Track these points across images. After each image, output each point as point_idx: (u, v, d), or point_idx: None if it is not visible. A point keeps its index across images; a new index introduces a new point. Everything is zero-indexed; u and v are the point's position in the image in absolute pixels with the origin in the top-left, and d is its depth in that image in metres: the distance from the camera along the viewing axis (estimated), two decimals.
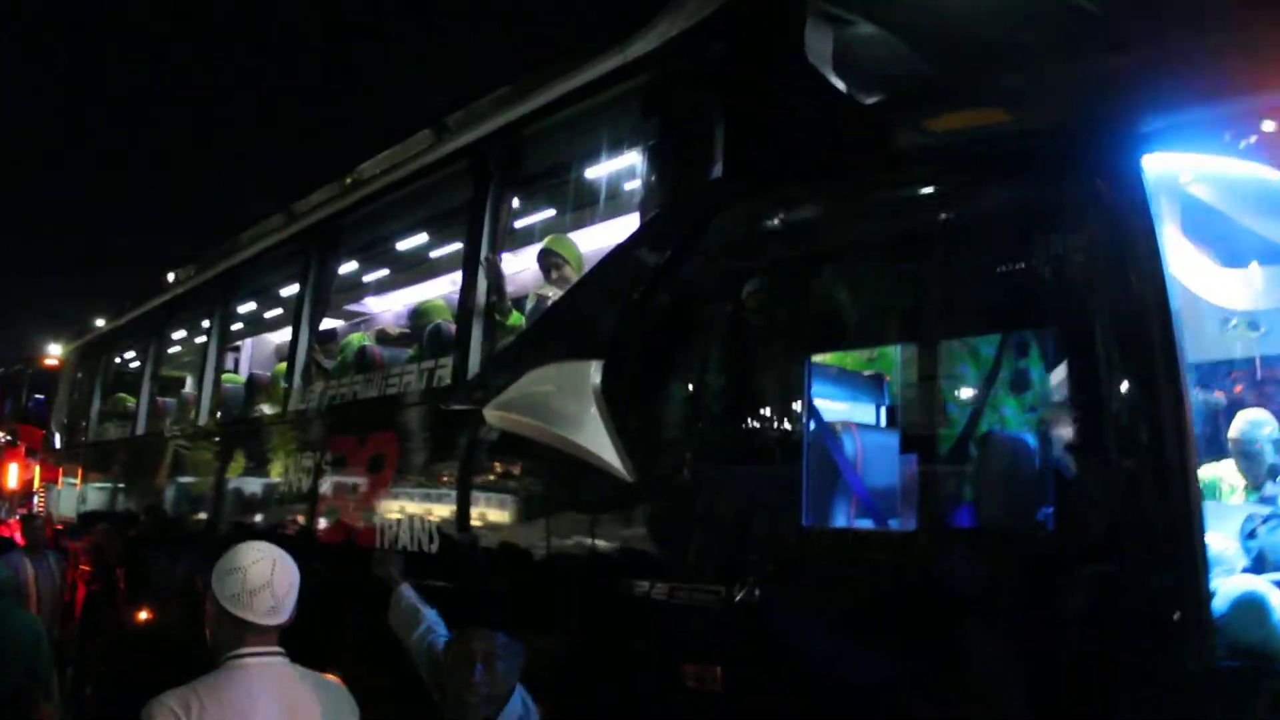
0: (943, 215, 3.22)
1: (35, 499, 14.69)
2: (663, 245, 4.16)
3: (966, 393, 3.65)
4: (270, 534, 6.87)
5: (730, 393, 3.89)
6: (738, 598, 3.56)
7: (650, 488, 4.00)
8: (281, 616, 2.76)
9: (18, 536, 11.88)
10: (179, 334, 11.31)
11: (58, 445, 13.64)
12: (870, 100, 3.66)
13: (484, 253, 5.24)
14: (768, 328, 3.76)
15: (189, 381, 11.51)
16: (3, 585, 6.59)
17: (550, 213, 6.38)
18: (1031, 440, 3.23)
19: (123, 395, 11.73)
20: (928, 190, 3.36)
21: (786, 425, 3.64)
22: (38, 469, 15.27)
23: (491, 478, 4.93)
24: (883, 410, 4.76)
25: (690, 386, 4.00)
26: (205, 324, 9.32)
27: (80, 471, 12.28)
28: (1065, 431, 3.01)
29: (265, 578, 2.71)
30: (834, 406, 4.28)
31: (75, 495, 12.22)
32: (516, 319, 5.36)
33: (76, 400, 13.21)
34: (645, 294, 4.15)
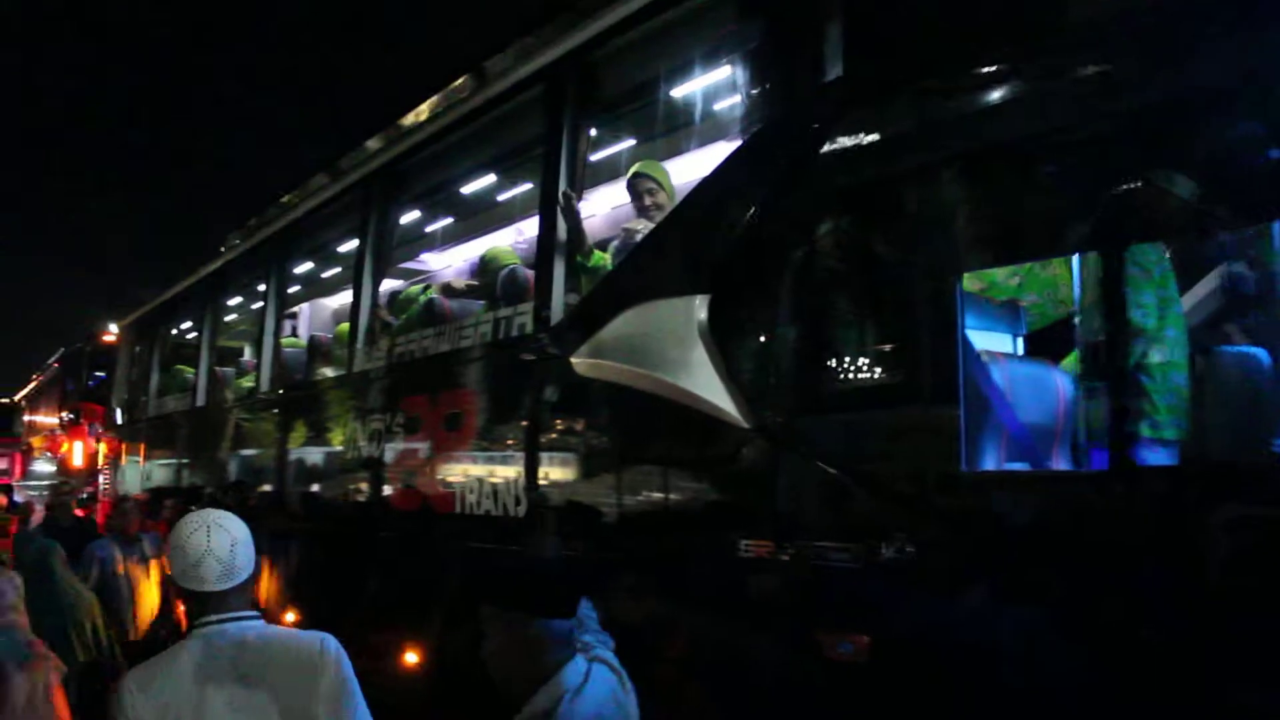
0: (1133, 99, 2.68)
1: (100, 478, 14.51)
2: (776, 160, 3.64)
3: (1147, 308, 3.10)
4: (336, 504, 6.51)
5: (865, 323, 3.38)
6: (885, 557, 3.08)
7: (773, 435, 3.52)
8: (236, 578, 2.66)
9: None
10: (235, 300, 10.96)
11: (119, 421, 13.43)
12: None
13: (563, 187, 4.75)
14: (908, 246, 3.24)
15: (247, 350, 11.20)
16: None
17: (632, 143, 5.88)
18: (1264, 355, 2.70)
19: (181, 367, 11.45)
20: (1112, 68, 2.80)
21: (936, 358, 3.12)
22: (102, 447, 15.11)
23: (581, 432, 4.47)
24: (1019, 340, 4.23)
25: (816, 319, 3.50)
26: (262, 288, 8.95)
27: (142, 447, 12.05)
28: None
29: (203, 546, 2.62)
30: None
31: (138, 471, 11.99)
32: (599, 259, 4.88)
33: (135, 375, 12.97)
34: (757, 216, 3.65)
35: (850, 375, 3.38)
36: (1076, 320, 3.30)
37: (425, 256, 9.84)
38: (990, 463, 3.25)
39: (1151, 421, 2.84)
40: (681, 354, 3.78)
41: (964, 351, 3.05)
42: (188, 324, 11.98)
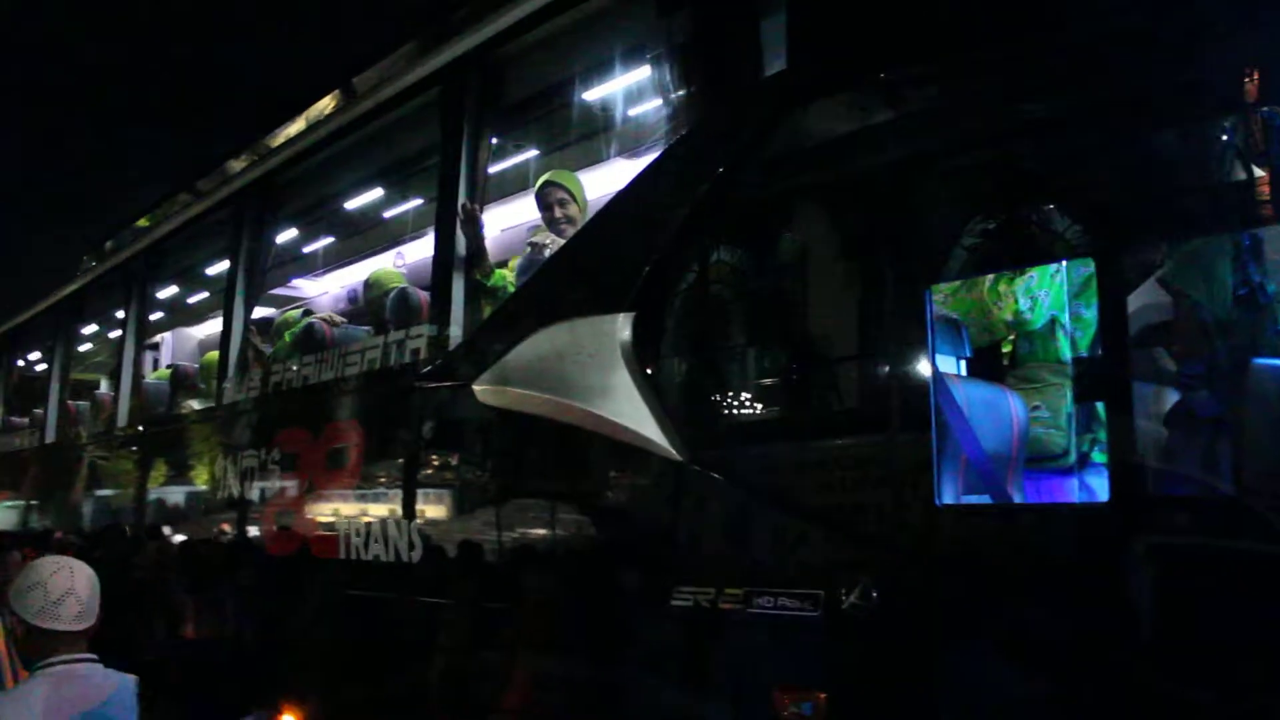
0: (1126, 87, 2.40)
1: None
2: (711, 162, 3.27)
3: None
4: (205, 547, 5.90)
5: (819, 342, 3.03)
6: (847, 603, 2.72)
7: (711, 468, 3.13)
8: (89, 620, 2.82)
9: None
10: (90, 329, 10.16)
11: None
12: None
13: (462, 199, 4.32)
14: (870, 257, 2.90)
15: (104, 382, 10.39)
16: None
17: (536, 153, 5.46)
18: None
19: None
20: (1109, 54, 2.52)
21: (904, 379, 2.78)
22: None
23: (485, 467, 4.02)
24: (962, 362, 3.94)
25: (760, 338, 3.14)
26: (120, 314, 8.24)
27: None
28: None
29: (67, 585, 2.76)
30: None
31: None
32: (500, 278, 4.45)
33: None
34: (687, 224, 3.28)
35: (803, 400, 3.03)
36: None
37: (300, 282, 9.26)
38: (956, 494, 2.92)
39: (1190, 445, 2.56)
40: (602, 379, 3.37)
41: (935, 374, 2.72)
42: (36, 354, 11.11)
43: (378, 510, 4.44)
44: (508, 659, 3.69)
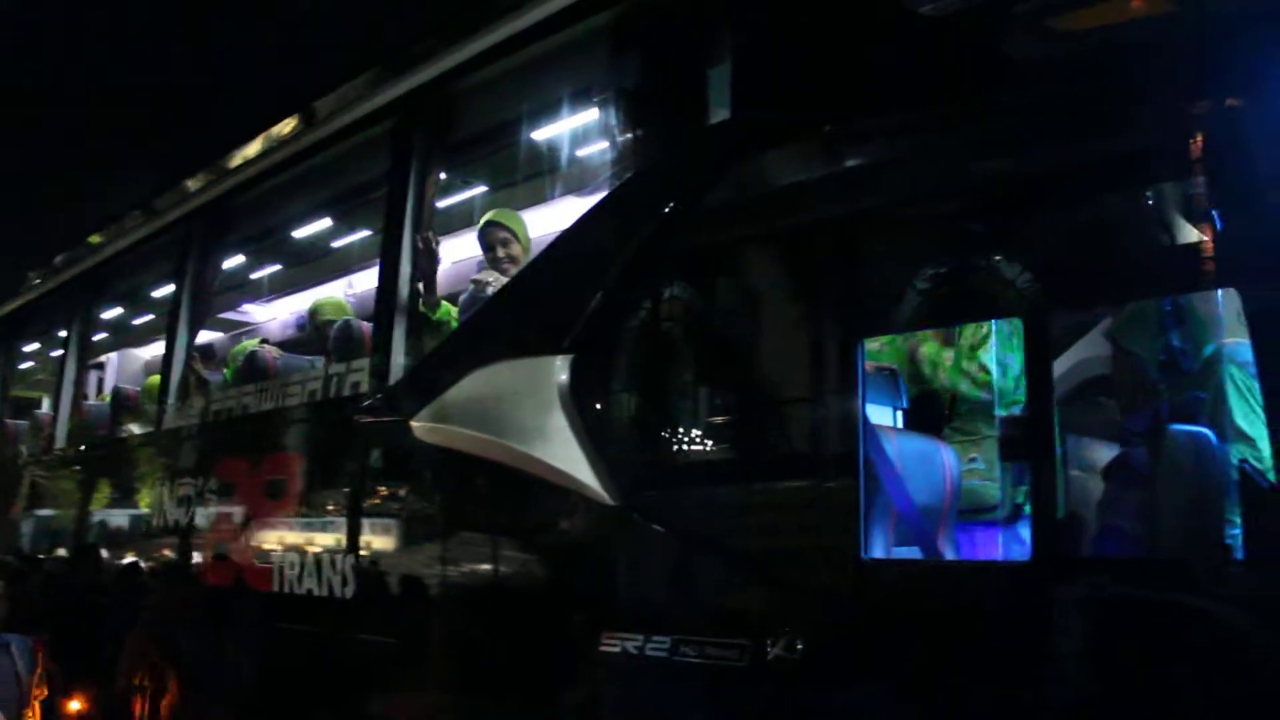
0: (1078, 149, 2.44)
1: None
2: (652, 207, 3.29)
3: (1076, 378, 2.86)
4: (137, 574, 5.80)
5: (752, 391, 3.04)
6: (771, 655, 2.71)
7: (642, 513, 3.12)
8: None
9: None
10: (32, 347, 10.00)
11: None
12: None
13: (409, 232, 4.30)
14: (804, 307, 2.92)
15: (45, 401, 10.21)
16: None
17: (484, 189, 5.46)
18: (1213, 436, 2.46)
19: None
20: (1055, 117, 2.56)
21: (833, 430, 2.80)
22: None
23: (423, 505, 3.99)
24: (899, 413, 3.97)
25: (695, 385, 3.15)
26: (63, 334, 8.12)
27: None
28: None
29: None
30: None
31: None
32: (446, 312, 4.44)
33: None
34: (629, 268, 3.29)
35: (734, 446, 3.04)
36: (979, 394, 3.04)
37: (250, 308, 9.18)
38: (884, 547, 2.93)
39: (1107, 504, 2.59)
40: (538, 420, 3.36)
41: (864, 424, 2.73)
42: None
43: (313, 544, 4.39)
44: (434, 697, 3.65)
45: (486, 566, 3.63)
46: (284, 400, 4.86)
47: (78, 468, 7.19)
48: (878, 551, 2.85)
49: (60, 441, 7.43)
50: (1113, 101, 2.49)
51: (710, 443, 3.08)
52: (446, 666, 3.66)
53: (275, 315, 9.06)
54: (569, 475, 3.24)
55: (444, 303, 4.41)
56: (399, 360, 4.20)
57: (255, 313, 9.37)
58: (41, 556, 7.44)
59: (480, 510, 3.73)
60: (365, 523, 4.13)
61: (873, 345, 4.03)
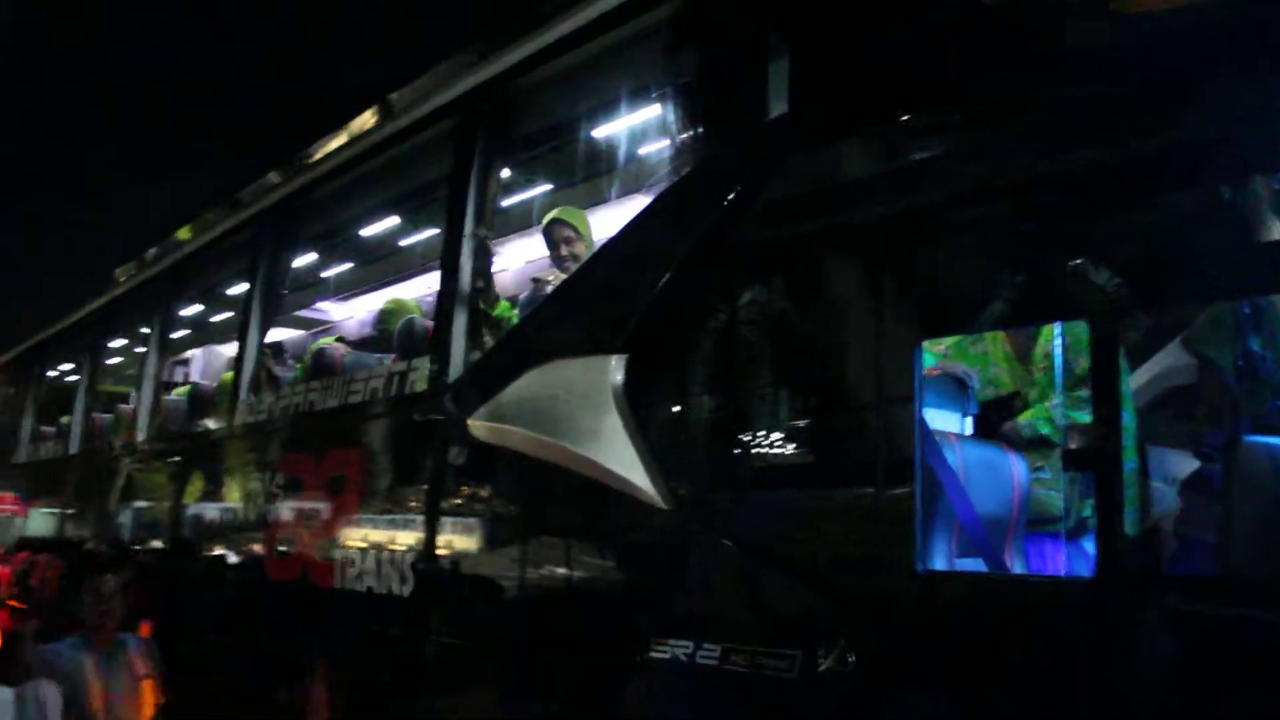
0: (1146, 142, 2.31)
1: None
2: (709, 206, 3.21)
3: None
4: (207, 566, 5.87)
5: (807, 396, 2.95)
6: (823, 667, 2.62)
7: (695, 518, 3.05)
8: None
9: None
10: (119, 342, 10.23)
11: None
12: None
13: (469, 228, 4.28)
14: (860, 309, 2.82)
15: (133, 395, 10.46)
16: None
17: (547, 187, 5.43)
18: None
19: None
20: (1127, 108, 2.43)
21: (889, 435, 2.69)
22: None
23: (479, 505, 3.96)
24: (968, 419, 3.84)
25: (750, 389, 3.06)
26: (146, 330, 8.29)
27: (10, 497, 11.16)
28: None
29: None
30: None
31: (6, 524, 11.10)
32: (505, 309, 4.41)
33: (7, 419, 12.08)
34: (684, 266, 3.22)
35: (787, 454, 2.95)
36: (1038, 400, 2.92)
37: (328, 306, 9.29)
38: (944, 558, 2.82)
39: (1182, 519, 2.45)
40: (592, 421, 3.31)
41: (921, 430, 2.62)
42: (68, 365, 11.21)
43: (373, 541, 4.39)
44: (483, 697, 3.62)
45: (539, 567, 3.59)
46: (347, 398, 4.87)
47: (156, 461, 7.32)
48: (936, 563, 2.75)
49: (141, 435, 7.57)
50: (1188, 91, 2.35)
51: (764, 446, 2.98)
52: (492, 667, 3.62)
53: (352, 314, 9.17)
54: (623, 478, 3.18)
55: (502, 300, 4.39)
56: (458, 358, 4.18)
57: (333, 311, 9.48)
58: (133, 549, 7.55)
59: (533, 511, 3.69)
60: (417, 521, 4.11)
61: (940, 349, 3.91)
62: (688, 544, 3.10)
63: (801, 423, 2.95)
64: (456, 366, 4.16)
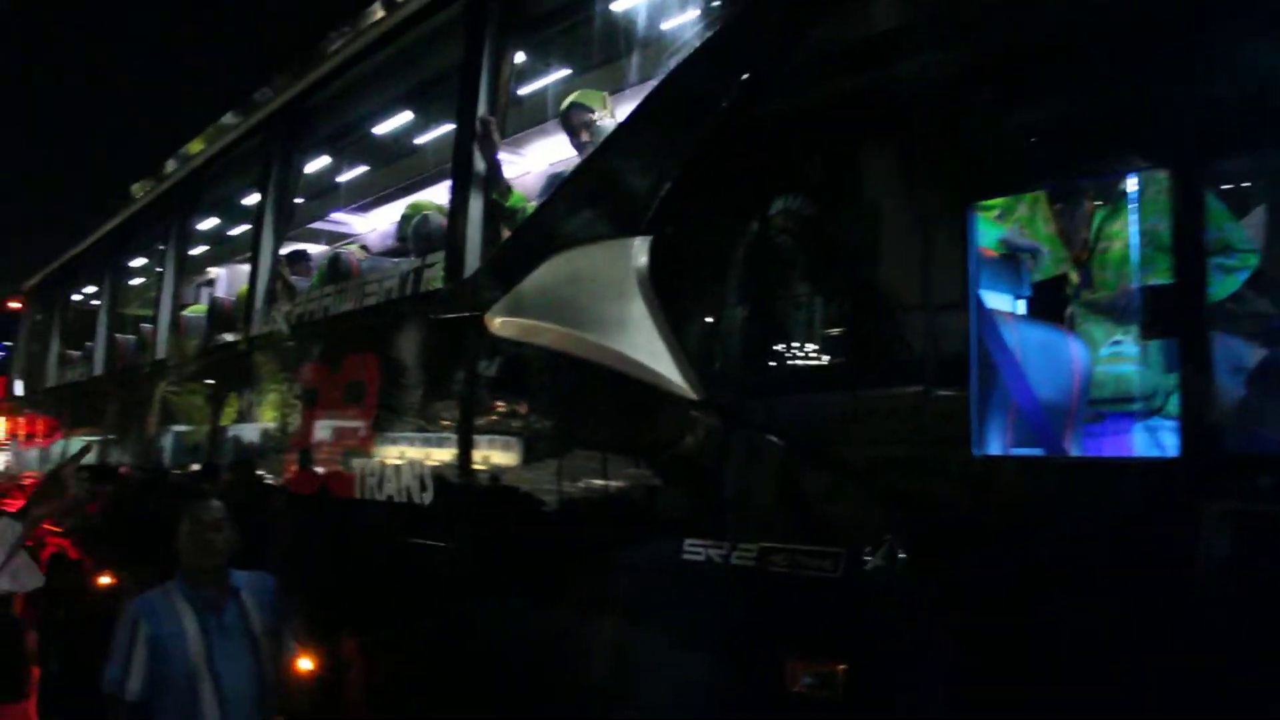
0: None
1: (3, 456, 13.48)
2: (733, 70, 2.92)
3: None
4: (228, 483, 5.71)
5: (850, 271, 2.68)
6: (871, 565, 2.39)
7: (729, 410, 2.81)
8: None
9: None
10: (139, 261, 10.06)
11: (18, 394, 12.47)
12: None
13: (481, 113, 4.00)
14: (910, 171, 2.53)
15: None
16: None
17: (565, 72, 5.12)
18: None
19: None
20: None
21: (940, 311, 2.43)
22: (3, 422, 14.09)
23: (499, 405, 3.74)
24: (1020, 300, 3.53)
25: (783, 265, 2.80)
26: (162, 247, 8.09)
27: (41, 422, 11.12)
28: None
29: None
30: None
31: (37, 451, 11.07)
32: (519, 199, 4.15)
33: (36, 343, 12.02)
34: (710, 138, 2.93)
35: (827, 335, 2.69)
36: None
37: (350, 218, 9.05)
38: (1001, 444, 2.57)
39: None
40: (615, 309, 3.06)
41: (977, 305, 2.35)
42: (92, 288, 11.07)
43: (392, 450, 4.19)
44: (500, 607, 3.44)
45: (562, 467, 3.36)
46: (362, 301, 4.65)
47: (176, 379, 7.16)
48: (995, 449, 2.49)
49: (160, 354, 7.41)
50: None
51: (801, 328, 2.73)
52: (513, 572, 3.43)
53: (375, 227, 8.92)
54: (649, 368, 2.93)
55: (515, 191, 4.12)
56: (473, 253, 3.93)
57: (356, 224, 9.25)
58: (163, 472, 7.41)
59: (555, 407, 3.46)
60: (436, 425, 3.91)
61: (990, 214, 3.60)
62: (720, 438, 2.86)
63: (843, 301, 2.69)
64: (473, 261, 3.91)
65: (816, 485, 2.63)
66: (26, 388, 12.25)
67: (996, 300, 3.17)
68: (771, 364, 2.82)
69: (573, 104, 4.28)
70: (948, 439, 2.30)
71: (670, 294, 2.96)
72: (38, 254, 12.73)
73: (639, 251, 3.00)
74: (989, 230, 3.34)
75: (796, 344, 2.75)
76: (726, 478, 2.87)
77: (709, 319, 2.96)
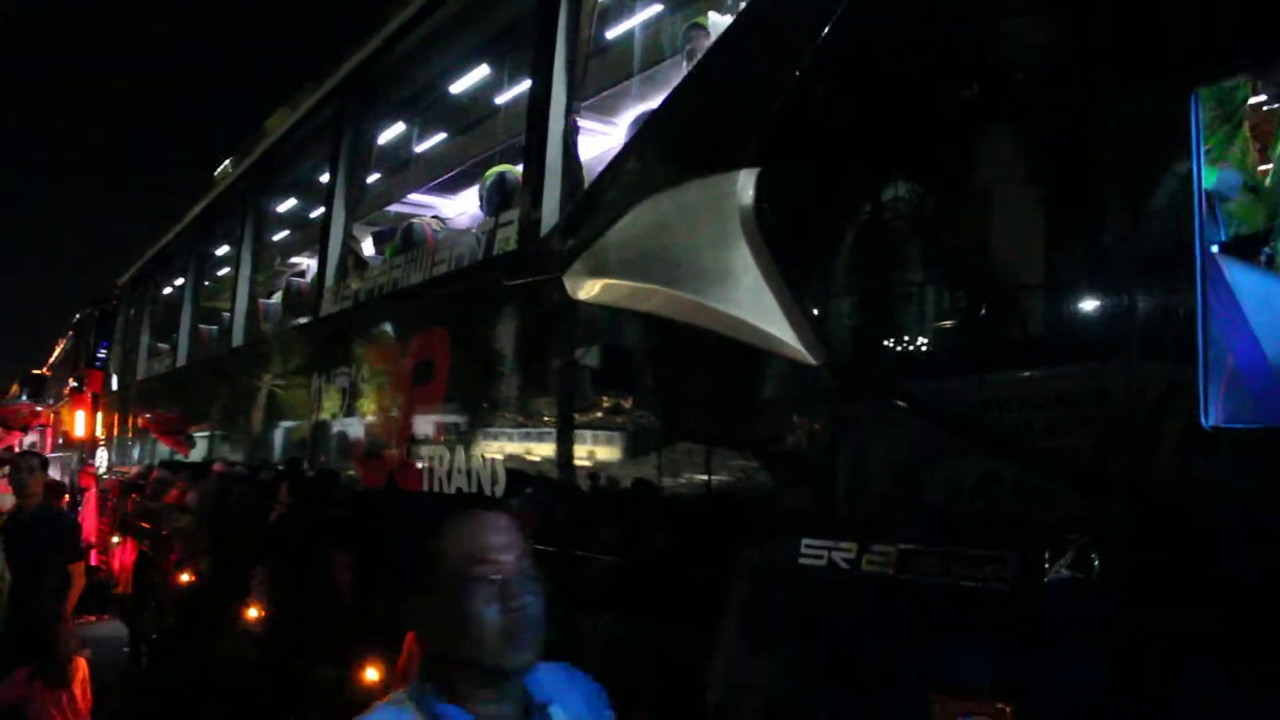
0: None
1: (100, 452, 13.47)
2: None
3: None
4: (288, 474, 5.30)
5: (1013, 196, 2.08)
6: (1052, 573, 1.80)
7: (856, 378, 2.24)
8: None
9: None
10: (222, 250, 9.80)
11: (113, 387, 12.42)
12: None
13: (564, 51, 3.48)
14: (1106, 61, 1.92)
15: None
16: None
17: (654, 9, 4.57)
18: None
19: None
20: None
21: (1154, 251, 1.83)
22: (99, 416, 14.10)
23: (580, 379, 3.21)
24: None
25: (930, 198, 2.22)
26: (238, 231, 7.76)
27: (132, 416, 10.98)
28: None
29: None
30: None
31: (126, 443, 10.94)
32: None
33: (129, 337, 11.93)
34: (827, 50, 2.36)
35: (988, 281, 2.10)
36: None
37: (434, 199, 8.63)
38: (1231, 413, 1.95)
39: None
40: (715, 258, 2.51)
41: (1201, 246, 1.75)
42: (179, 279, 10.89)
43: (463, 437, 3.70)
44: (583, 615, 2.90)
45: (653, 450, 2.82)
46: (432, 270, 4.16)
47: (248, 365, 6.81)
48: (1230, 419, 1.87)
49: (236, 340, 7.08)
50: None
51: (961, 277, 2.14)
52: (603, 579, 2.90)
53: (464, 210, 8.51)
54: (755, 327, 2.38)
55: None
56: (550, 209, 3.41)
57: (443, 206, 8.84)
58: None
59: (643, 379, 2.92)
60: (508, 407, 3.40)
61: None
62: (848, 414, 2.29)
63: (1007, 238, 2.09)
64: (549, 215, 3.39)
65: (976, 471, 2.03)
66: (120, 382, 12.16)
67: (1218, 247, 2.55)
68: (918, 325, 2.24)
69: (691, 25, 3.75)
70: (1170, 410, 1.70)
71: (779, 236, 2.40)
72: (134, 250, 12.64)
73: (745, 186, 2.44)
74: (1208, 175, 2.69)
75: (956, 296, 2.16)
76: (853, 462, 2.30)
77: (830, 265, 2.39)
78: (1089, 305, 1.94)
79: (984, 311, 2.13)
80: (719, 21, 3.85)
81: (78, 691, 4.83)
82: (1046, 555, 1.81)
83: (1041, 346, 1.97)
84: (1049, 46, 2.05)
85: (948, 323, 2.20)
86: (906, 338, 2.25)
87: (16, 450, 13.36)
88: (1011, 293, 2.08)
